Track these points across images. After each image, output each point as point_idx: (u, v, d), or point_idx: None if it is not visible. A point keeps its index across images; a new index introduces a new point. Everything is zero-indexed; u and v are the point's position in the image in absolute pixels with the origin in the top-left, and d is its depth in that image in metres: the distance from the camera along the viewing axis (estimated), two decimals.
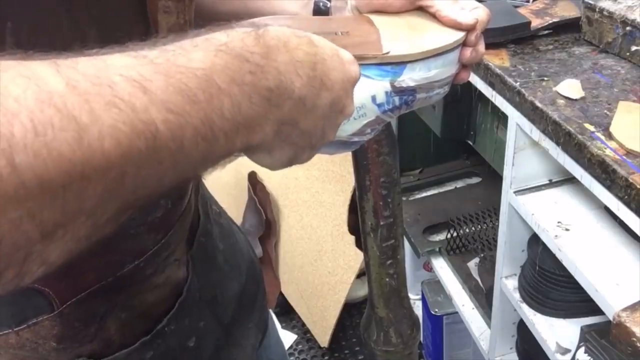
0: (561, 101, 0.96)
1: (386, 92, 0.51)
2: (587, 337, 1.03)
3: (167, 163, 0.32)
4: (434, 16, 0.56)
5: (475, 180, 1.79)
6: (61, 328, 0.53)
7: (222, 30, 0.38)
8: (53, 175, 0.27)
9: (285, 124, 0.40)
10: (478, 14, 0.56)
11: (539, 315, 1.16)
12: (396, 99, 0.52)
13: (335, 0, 0.62)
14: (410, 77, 0.52)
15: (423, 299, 1.71)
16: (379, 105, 0.51)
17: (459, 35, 0.55)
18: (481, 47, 0.58)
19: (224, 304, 0.69)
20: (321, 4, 0.62)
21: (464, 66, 0.58)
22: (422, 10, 0.57)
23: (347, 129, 0.51)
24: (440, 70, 0.54)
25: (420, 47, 0.52)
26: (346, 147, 0.53)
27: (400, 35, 0.54)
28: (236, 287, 0.72)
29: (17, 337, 0.52)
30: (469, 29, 0.55)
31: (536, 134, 0.98)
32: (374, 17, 0.56)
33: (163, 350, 0.60)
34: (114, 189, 0.30)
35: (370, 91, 0.51)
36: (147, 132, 0.30)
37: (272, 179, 2.00)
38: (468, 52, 0.56)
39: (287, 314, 2.04)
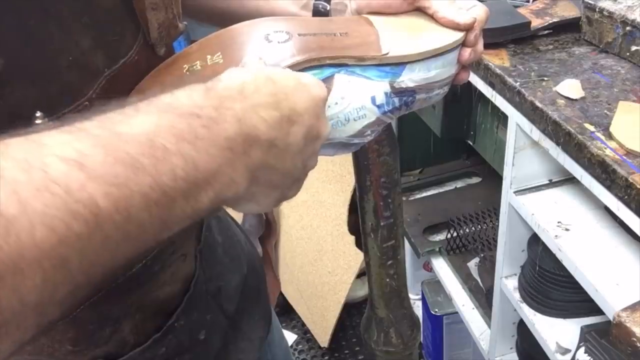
0: (561, 101, 0.96)
1: (386, 93, 0.51)
2: (587, 337, 1.03)
3: (117, 238, 0.31)
4: (432, 17, 0.56)
5: (475, 180, 1.79)
6: (76, 331, 0.53)
7: (169, 92, 0.37)
8: None
9: (259, 169, 0.39)
10: (476, 13, 0.56)
11: (539, 315, 1.16)
12: (396, 100, 0.52)
13: (335, 3, 0.62)
14: (409, 78, 0.52)
15: (423, 299, 1.71)
16: (378, 107, 0.51)
17: (458, 35, 0.55)
18: (480, 46, 0.58)
19: (227, 296, 0.69)
20: (320, 6, 0.62)
21: (463, 66, 0.58)
22: (420, 11, 0.57)
23: (347, 130, 0.51)
24: (439, 71, 0.54)
25: (419, 47, 0.52)
26: (346, 148, 0.53)
27: (400, 36, 0.54)
28: (238, 278, 0.72)
29: (33, 343, 0.52)
30: (467, 29, 0.55)
31: (536, 134, 0.98)
32: (373, 18, 0.56)
33: (174, 345, 0.60)
34: (58, 277, 0.29)
35: (369, 92, 0.50)
36: (85, 211, 0.29)
37: None
38: (467, 53, 0.56)
39: (287, 314, 2.04)
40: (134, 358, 0.57)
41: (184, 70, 0.47)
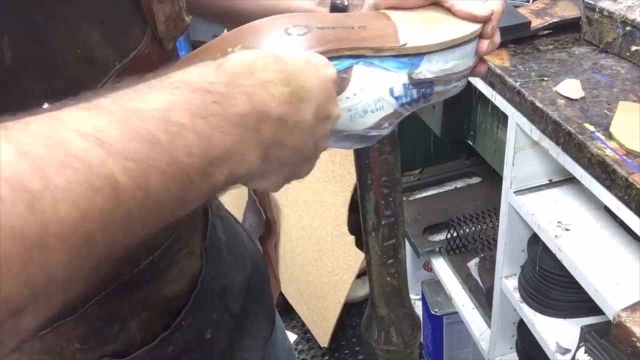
0: (561, 101, 0.96)
1: (404, 85, 0.51)
2: (587, 337, 1.03)
3: (137, 213, 0.31)
4: (449, 11, 0.56)
5: (475, 180, 1.79)
6: (84, 329, 0.53)
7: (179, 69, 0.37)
8: (9, 252, 0.26)
9: (271, 146, 0.39)
10: (493, 5, 0.56)
11: (539, 315, 1.16)
12: (414, 92, 0.52)
13: None
14: (427, 69, 0.52)
15: (423, 299, 1.71)
16: (397, 98, 0.51)
17: (476, 27, 0.55)
18: (497, 37, 0.58)
19: (232, 295, 0.70)
20: (338, 2, 0.63)
21: (480, 59, 0.58)
22: (437, 5, 0.58)
23: (365, 122, 0.50)
24: (457, 62, 0.54)
25: (437, 38, 0.53)
26: (363, 141, 0.53)
27: (417, 28, 0.54)
28: (242, 277, 0.73)
29: (42, 341, 0.52)
30: (484, 21, 0.55)
31: (536, 134, 0.99)
32: (391, 13, 0.57)
33: (182, 343, 0.61)
34: (82, 252, 0.29)
35: (388, 84, 0.51)
36: (106, 187, 0.29)
37: None
38: (485, 45, 0.56)
39: (287, 314, 2.04)
40: (142, 356, 0.58)
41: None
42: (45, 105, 0.40)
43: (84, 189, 0.28)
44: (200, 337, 0.63)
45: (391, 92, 0.51)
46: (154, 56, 0.50)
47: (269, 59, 0.40)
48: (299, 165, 0.43)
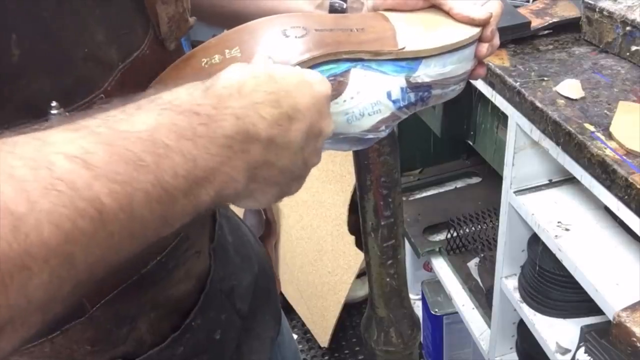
0: (561, 101, 0.96)
1: (401, 88, 0.51)
2: (587, 337, 1.03)
3: (120, 234, 0.31)
4: (448, 14, 0.56)
5: (475, 180, 1.79)
6: (94, 331, 0.53)
7: (169, 90, 0.37)
8: None
9: (258, 167, 0.39)
10: (492, 8, 0.56)
11: (539, 315, 1.16)
12: (411, 95, 0.52)
13: (352, 1, 0.62)
14: (425, 73, 0.52)
15: (423, 299, 1.71)
16: (394, 102, 0.51)
17: (475, 30, 0.55)
18: (496, 41, 0.58)
19: (240, 296, 0.69)
20: (337, 4, 0.63)
21: (479, 62, 0.58)
22: (436, 8, 0.57)
23: (362, 125, 0.51)
24: (455, 66, 0.54)
25: (435, 42, 0.52)
26: (361, 143, 0.53)
27: (416, 31, 0.54)
28: (250, 278, 0.72)
29: (52, 345, 0.52)
30: (483, 24, 0.55)
31: (536, 134, 0.99)
32: (389, 15, 0.56)
33: (192, 344, 0.61)
34: (63, 274, 0.29)
35: (385, 87, 0.51)
36: (90, 209, 0.29)
37: None
38: (484, 48, 0.56)
39: (287, 314, 2.04)
40: (153, 357, 0.58)
41: (203, 64, 0.48)
42: (54, 104, 0.40)
43: (68, 211, 0.29)
44: (210, 337, 0.63)
45: (389, 95, 0.51)
46: (156, 57, 0.50)
47: (261, 79, 0.39)
48: (287, 184, 0.43)
